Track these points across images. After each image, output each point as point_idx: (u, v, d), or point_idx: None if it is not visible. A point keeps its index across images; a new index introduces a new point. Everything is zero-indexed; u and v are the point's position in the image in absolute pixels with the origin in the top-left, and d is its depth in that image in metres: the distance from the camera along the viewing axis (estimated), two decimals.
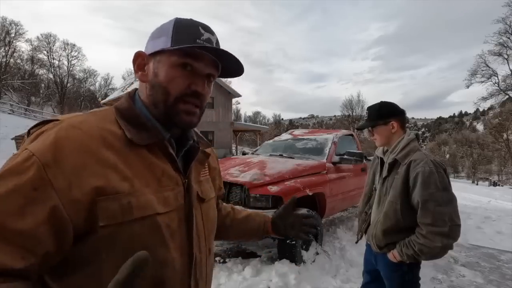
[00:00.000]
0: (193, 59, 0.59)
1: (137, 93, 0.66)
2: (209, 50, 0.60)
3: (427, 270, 3.09)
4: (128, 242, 0.52)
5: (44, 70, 38.97)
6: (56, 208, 0.46)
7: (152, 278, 0.55)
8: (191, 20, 0.62)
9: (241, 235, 0.95)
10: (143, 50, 0.63)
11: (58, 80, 38.77)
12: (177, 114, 0.61)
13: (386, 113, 1.59)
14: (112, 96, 27.35)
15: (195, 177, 0.68)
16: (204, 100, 0.64)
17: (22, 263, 0.43)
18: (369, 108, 1.68)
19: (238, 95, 22.22)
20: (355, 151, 4.08)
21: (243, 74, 0.69)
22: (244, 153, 5.45)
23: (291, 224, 0.93)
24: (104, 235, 0.50)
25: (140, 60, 0.63)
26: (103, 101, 29.99)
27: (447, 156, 48.89)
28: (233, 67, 0.65)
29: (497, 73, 27.82)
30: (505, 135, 31.44)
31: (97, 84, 46.59)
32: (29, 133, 0.55)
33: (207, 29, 0.62)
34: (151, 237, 0.54)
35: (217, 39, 0.64)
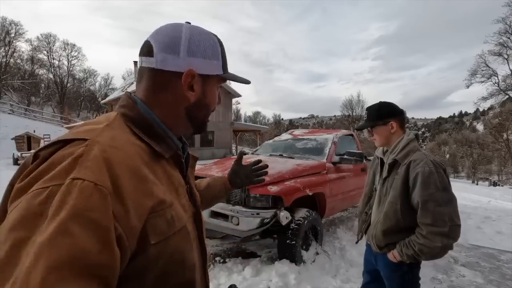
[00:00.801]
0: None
1: (137, 97, 0.63)
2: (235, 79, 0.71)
3: (427, 270, 3.09)
4: (171, 254, 0.53)
5: (44, 70, 38.93)
6: (120, 237, 0.43)
7: (185, 283, 0.58)
8: (221, 42, 0.68)
9: (208, 203, 1.05)
10: (193, 68, 0.61)
11: (58, 80, 38.70)
12: (206, 125, 0.70)
13: (385, 113, 1.59)
14: (112, 96, 27.36)
15: (192, 181, 0.72)
16: None
17: None
18: (368, 109, 1.68)
19: (238, 95, 22.23)
20: (355, 151, 4.07)
21: (244, 74, 0.75)
22: (244, 153, 5.45)
23: (244, 175, 1.09)
24: (154, 253, 0.49)
25: (190, 79, 0.62)
26: (103, 101, 30.01)
27: (447, 156, 48.86)
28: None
29: (497, 73, 27.85)
30: (505, 135, 31.40)
31: (97, 84, 46.51)
32: (35, 156, 0.46)
33: None
34: (185, 245, 0.57)
35: None
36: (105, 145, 0.47)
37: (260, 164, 1.13)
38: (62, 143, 0.47)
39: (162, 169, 0.57)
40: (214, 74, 0.65)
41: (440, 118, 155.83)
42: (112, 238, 0.41)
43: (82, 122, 0.59)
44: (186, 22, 0.64)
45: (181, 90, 0.62)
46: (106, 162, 0.45)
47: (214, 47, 0.64)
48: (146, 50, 0.61)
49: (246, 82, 0.75)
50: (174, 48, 0.59)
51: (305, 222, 3.13)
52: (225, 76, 0.67)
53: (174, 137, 0.63)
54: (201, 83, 0.64)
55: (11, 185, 0.46)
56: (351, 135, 5.10)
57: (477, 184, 26.01)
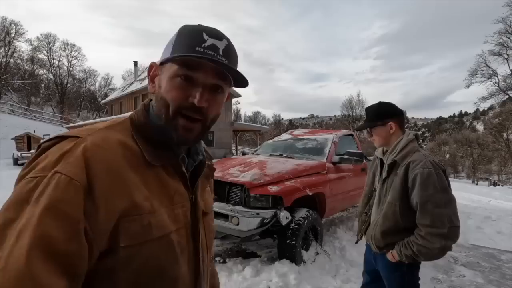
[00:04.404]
0: (190, 70, 0.56)
1: (151, 104, 0.64)
2: (207, 60, 0.56)
3: (427, 270, 3.09)
4: (145, 261, 0.52)
5: (44, 70, 38.87)
6: (86, 230, 0.46)
7: None
8: (197, 26, 0.59)
9: None
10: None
11: (58, 80, 38.65)
12: (175, 129, 0.58)
13: (384, 114, 1.59)
14: (112, 96, 27.35)
15: (201, 192, 0.68)
16: (206, 113, 0.59)
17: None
18: (368, 109, 1.68)
19: (238, 95, 22.22)
20: (355, 151, 4.08)
21: (244, 74, 0.63)
22: (244, 153, 5.45)
23: None
24: (123, 256, 0.50)
25: (152, 72, 0.62)
26: (103, 101, 30.01)
27: (447, 156, 48.84)
28: (239, 77, 0.61)
29: (497, 73, 27.80)
30: (505, 135, 31.41)
31: (97, 84, 46.42)
32: (39, 147, 0.51)
33: (213, 34, 0.58)
34: (166, 255, 0.56)
35: (226, 44, 0.59)
36: (92, 144, 0.50)
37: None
38: (60, 138, 0.52)
39: (155, 175, 0.57)
40: (163, 60, 0.59)
41: (440, 118, 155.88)
42: (80, 230, 0.45)
43: (91, 121, 0.58)
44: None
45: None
46: (86, 159, 0.48)
47: (174, 35, 0.60)
48: None
49: (197, 57, 0.56)
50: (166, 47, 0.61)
51: (305, 222, 3.13)
52: (173, 57, 0.57)
53: (175, 145, 0.61)
54: (160, 73, 0.61)
55: None
56: (351, 135, 5.10)
57: (477, 184, 25.99)
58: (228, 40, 0.60)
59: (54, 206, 0.43)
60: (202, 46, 0.56)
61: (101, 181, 0.47)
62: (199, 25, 0.59)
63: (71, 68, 40.00)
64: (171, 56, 0.57)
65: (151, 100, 0.65)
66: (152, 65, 0.62)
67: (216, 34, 0.59)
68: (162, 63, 0.60)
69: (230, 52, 0.60)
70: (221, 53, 0.57)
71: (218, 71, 0.58)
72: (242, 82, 0.63)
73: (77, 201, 0.45)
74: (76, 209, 0.44)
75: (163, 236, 0.54)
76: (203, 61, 0.55)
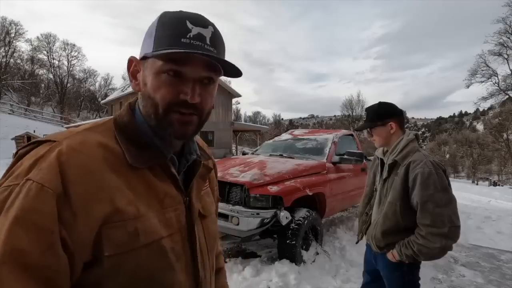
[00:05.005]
0: (177, 64, 0.52)
1: (138, 103, 0.60)
2: (195, 53, 0.51)
3: (427, 270, 3.09)
4: (134, 270, 0.49)
5: (44, 70, 38.85)
6: (64, 240, 0.43)
7: None
8: (178, 13, 0.54)
9: None
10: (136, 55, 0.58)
11: (58, 80, 38.63)
12: (170, 125, 0.54)
13: (384, 114, 1.59)
14: (112, 96, 27.36)
15: (196, 193, 0.64)
16: (200, 108, 0.56)
17: None
18: (368, 109, 1.68)
19: (238, 95, 22.22)
20: (355, 151, 4.08)
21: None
22: (244, 153, 5.45)
23: None
24: (109, 266, 0.46)
25: (133, 67, 0.57)
26: (103, 101, 30.02)
27: (447, 156, 48.85)
28: (230, 66, 0.56)
29: (497, 73, 27.79)
30: (505, 135, 31.43)
31: (97, 84, 46.38)
32: (16, 153, 0.49)
33: (198, 22, 0.53)
34: (158, 262, 0.52)
35: (212, 31, 0.54)
36: (68, 147, 0.47)
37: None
38: (37, 143, 0.49)
39: (141, 178, 0.53)
40: (148, 56, 0.53)
41: (440, 118, 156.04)
42: (56, 241, 0.42)
43: (91, 121, 0.56)
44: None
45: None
46: (60, 164, 0.44)
47: (152, 24, 0.54)
48: None
49: (183, 53, 0.51)
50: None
51: (305, 222, 3.13)
52: (156, 54, 0.51)
53: (162, 145, 0.57)
54: (142, 69, 0.56)
55: None
56: (351, 135, 5.11)
57: (477, 184, 26.00)
58: (213, 26, 0.55)
59: (23, 216, 0.40)
60: (188, 36, 0.51)
61: (77, 187, 0.44)
62: (181, 12, 0.54)
63: (71, 68, 39.99)
64: (154, 51, 0.51)
65: (137, 99, 0.61)
66: (131, 60, 0.57)
67: (201, 21, 0.54)
68: (144, 57, 0.55)
69: (217, 40, 0.55)
70: (208, 42, 0.53)
71: (208, 62, 0.53)
72: (234, 71, 0.57)
73: (50, 210, 0.41)
74: (49, 219, 0.41)
75: (152, 243, 0.51)
76: (191, 54, 0.51)
